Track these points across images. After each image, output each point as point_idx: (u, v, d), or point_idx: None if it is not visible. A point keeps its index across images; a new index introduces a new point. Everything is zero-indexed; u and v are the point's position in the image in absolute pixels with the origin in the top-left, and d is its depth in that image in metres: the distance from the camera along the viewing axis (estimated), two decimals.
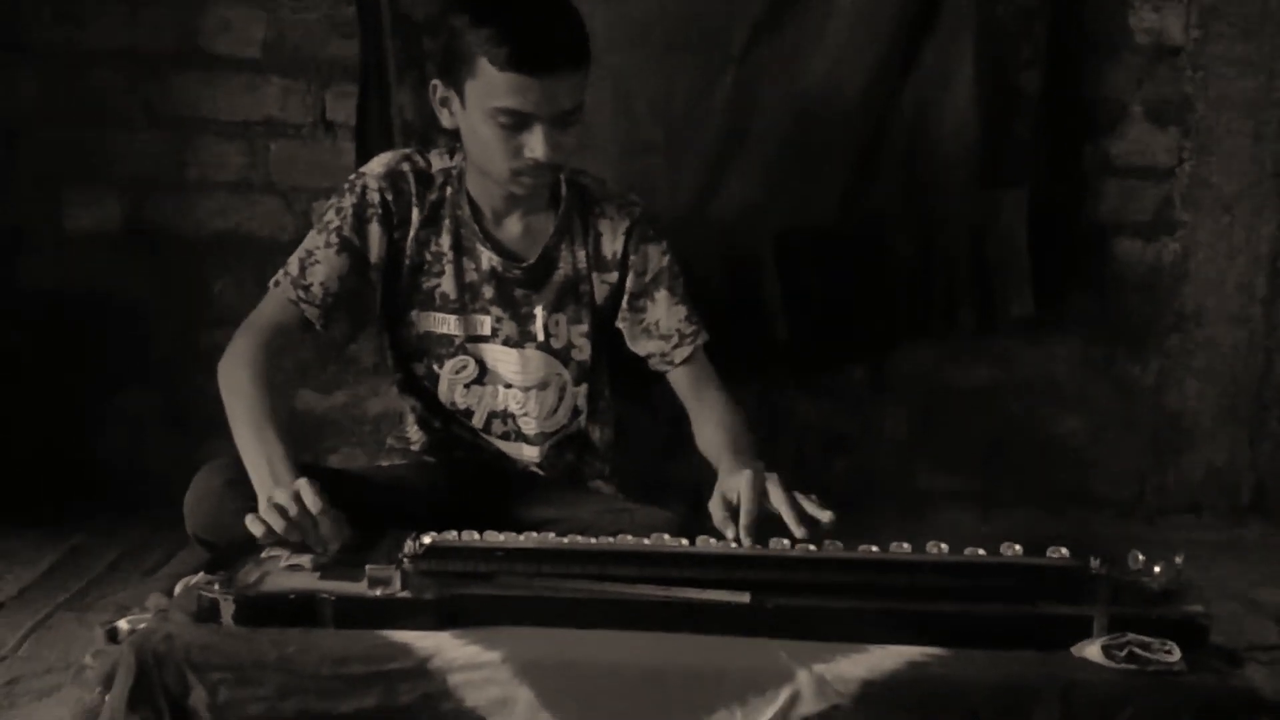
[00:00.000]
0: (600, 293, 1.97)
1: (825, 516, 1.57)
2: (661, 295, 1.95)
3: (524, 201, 1.90)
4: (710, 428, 1.88)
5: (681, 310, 1.95)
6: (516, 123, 1.73)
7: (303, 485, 1.55)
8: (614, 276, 1.96)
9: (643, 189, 2.28)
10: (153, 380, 2.59)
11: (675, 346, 1.94)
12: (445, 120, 1.83)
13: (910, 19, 2.39)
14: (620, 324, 1.98)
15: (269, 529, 1.51)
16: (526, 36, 1.69)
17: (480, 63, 1.71)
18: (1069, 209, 2.51)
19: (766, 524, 1.58)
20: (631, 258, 1.95)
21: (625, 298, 1.96)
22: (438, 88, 1.81)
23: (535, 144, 1.74)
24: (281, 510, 1.52)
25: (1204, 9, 2.46)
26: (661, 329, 1.95)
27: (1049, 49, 2.42)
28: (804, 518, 1.56)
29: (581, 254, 1.95)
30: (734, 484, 1.62)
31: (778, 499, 1.58)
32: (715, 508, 1.63)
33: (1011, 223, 2.46)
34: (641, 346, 1.97)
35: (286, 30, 2.47)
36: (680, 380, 1.95)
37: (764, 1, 2.40)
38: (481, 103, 1.73)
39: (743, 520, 1.56)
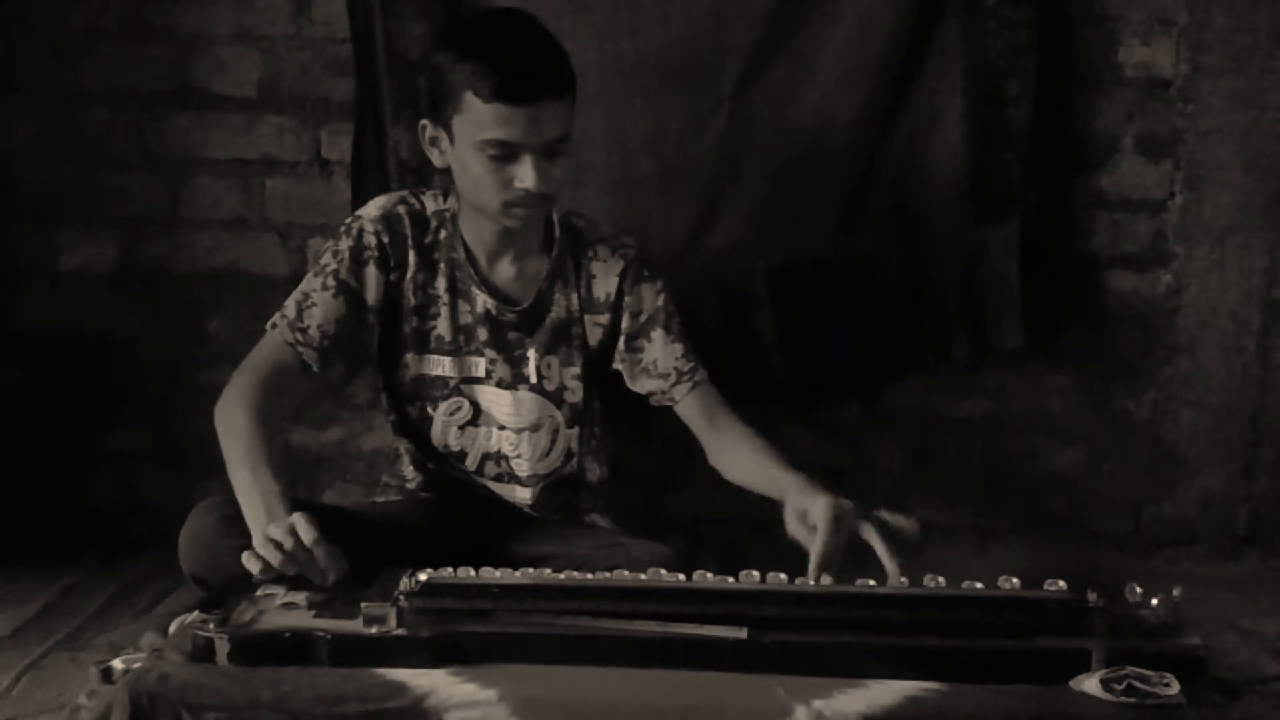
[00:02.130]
0: (592, 335, 1.97)
1: (910, 527, 1.64)
2: (658, 335, 1.95)
3: (518, 243, 1.91)
4: (746, 453, 1.89)
5: (678, 348, 1.95)
6: (505, 154, 1.75)
7: (298, 519, 1.55)
8: (605, 318, 1.96)
9: (636, 225, 2.30)
10: (147, 419, 2.59)
11: (674, 385, 1.95)
12: (436, 160, 1.85)
13: (900, 55, 2.41)
14: (619, 364, 1.98)
15: (266, 564, 1.51)
16: (510, 67, 1.72)
17: (466, 96, 1.73)
18: (1061, 242, 2.52)
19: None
20: (626, 299, 1.96)
21: (622, 339, 1.97)
22: (427, 128, 1.83)
23: (525, 174, 1.75)
24: (277, 544, 1.52)
25: (1193, 42, 2.47)
26: (660, 368, 1.95)
27: (1038, 84, 2.43)
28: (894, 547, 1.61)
29: (574, 296, 1.96)
30: (808, 507, 1.67)
31: (868, 532, 1.63)
32: (796, 527, 1.68)
33: (1003, 256, 2.46)
34: (641, 385, 1.98)
35: (282, 69, 2.49)
36: (690, 413, 1.95)
37: (756, 39, 2.41)
38: (470, 136, 1.75)
39: (814, 559, 1.60)
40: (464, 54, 1.74)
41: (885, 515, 1.66)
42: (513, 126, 1.73)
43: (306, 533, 1.53)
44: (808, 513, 1.66)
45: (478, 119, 1.73)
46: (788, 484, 1.76)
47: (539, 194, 1.77)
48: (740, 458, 1.90)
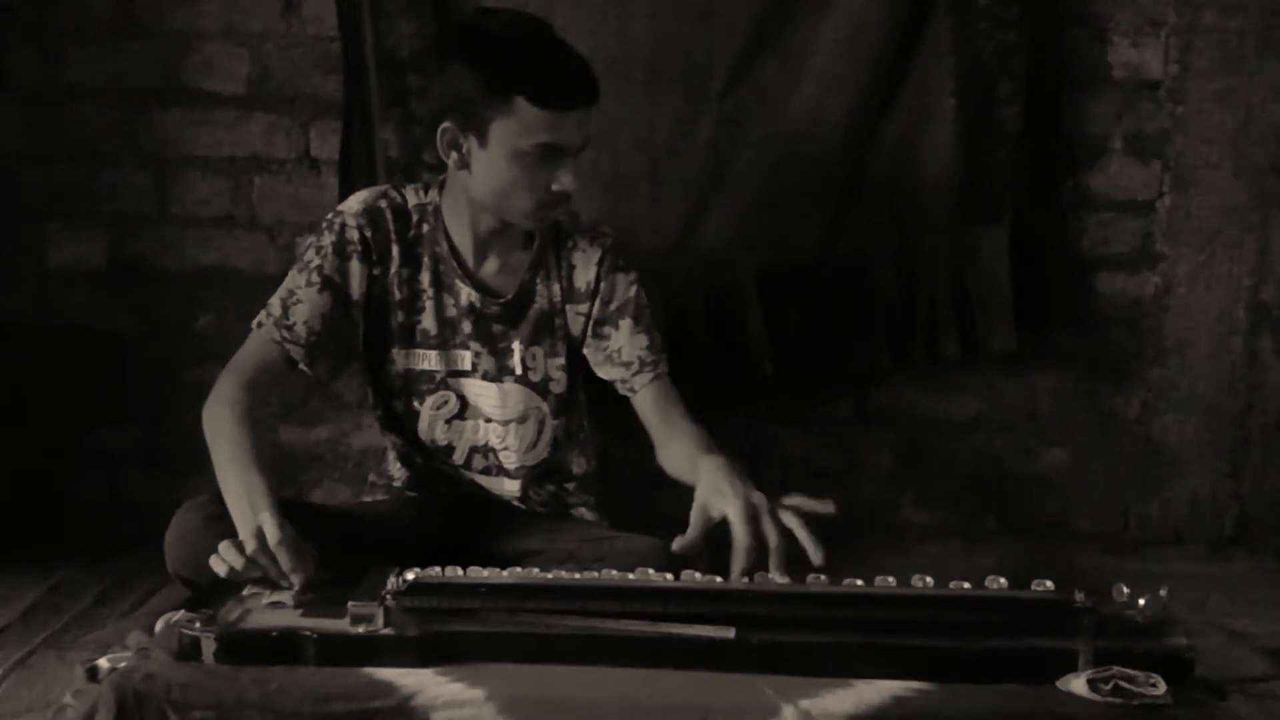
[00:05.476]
0: (575, 325, 1.97)
1: (825, 507, 1.61)
2: (625, 324, 1.95)
3: (501, 236, 1.91)
4: (679, 442, 1.87)
5: (643, 339, 1.95)
6: (545, 157, 1.77)
7: (265, 519, 1.55)
8: (586, 307, 1.97)
9: (625, 223, 2.29)
10: (135, 416, 2.59)
11: (635, 374, 1.95)
12: (453, 163, 1.83)
13: (891, 55, 2.41)
14: (585, 350, 1.99)
15: (231, 567, 1.51)
16: (563, 73, 1.76)
17: (517, 101, 1.73)
18: (1051, 243, 2.52)
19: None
20: (602, 285, 1.96)
21: (590, 324, 1.97)
22: (448, 131, 1.80)
23: (564, 177, 1.79)
24: (240, 547, 1.51)
25: (1182, 44, 2.48)
26: (623, 357, 1.95)
27: (1029, 85, 2.43)
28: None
29: (556, 287, 1.96)
30: (719, 506, 1.61)
31: (790, 522, 1.58)
32: (697, 515, 1.62)
33: (992, 257, 2.47)
34: (605, 372, 1.98)
35: (271, 67, 2.48)
36: (644, 405, 1.95)
37: (747, 38, 2.42)
38: (514, 141, 1.76)
39: (736, 563, 1.55)
40: (517, 59, 1.75)
41: (799, 500, 1.62)
42: (561, 131, 1.76)
43: (272, 534, 1.53)
44: (712, 508, 1.62)
45: (527, 124, 1.74)
46: (702, 469, 1.71)
47: (570, 194, 1.81)
48: (676, 451, 1.87)
